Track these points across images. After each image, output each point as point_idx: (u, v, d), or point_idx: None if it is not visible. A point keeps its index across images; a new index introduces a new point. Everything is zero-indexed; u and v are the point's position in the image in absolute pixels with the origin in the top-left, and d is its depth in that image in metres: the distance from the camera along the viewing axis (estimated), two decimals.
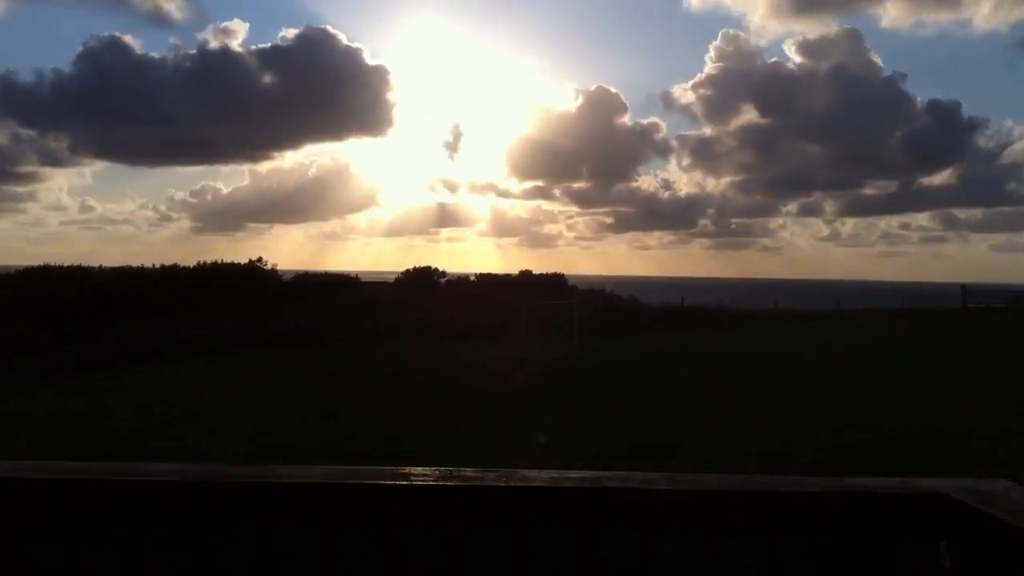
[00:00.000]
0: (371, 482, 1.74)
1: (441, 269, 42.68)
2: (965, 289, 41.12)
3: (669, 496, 1.70)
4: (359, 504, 1.72)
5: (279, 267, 39.16)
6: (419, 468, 1.77)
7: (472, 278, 43.13)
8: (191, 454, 10.03)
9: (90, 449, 10.73)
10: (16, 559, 1.73)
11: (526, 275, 43.08)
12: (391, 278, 43.34)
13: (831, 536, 1.68)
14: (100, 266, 36.37)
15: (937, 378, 16.00)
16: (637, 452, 9.81)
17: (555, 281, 42.54)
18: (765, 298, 51.47)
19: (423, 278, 41.13)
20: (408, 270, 42.44)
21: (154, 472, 1.79)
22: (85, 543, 1.72)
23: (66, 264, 34.70)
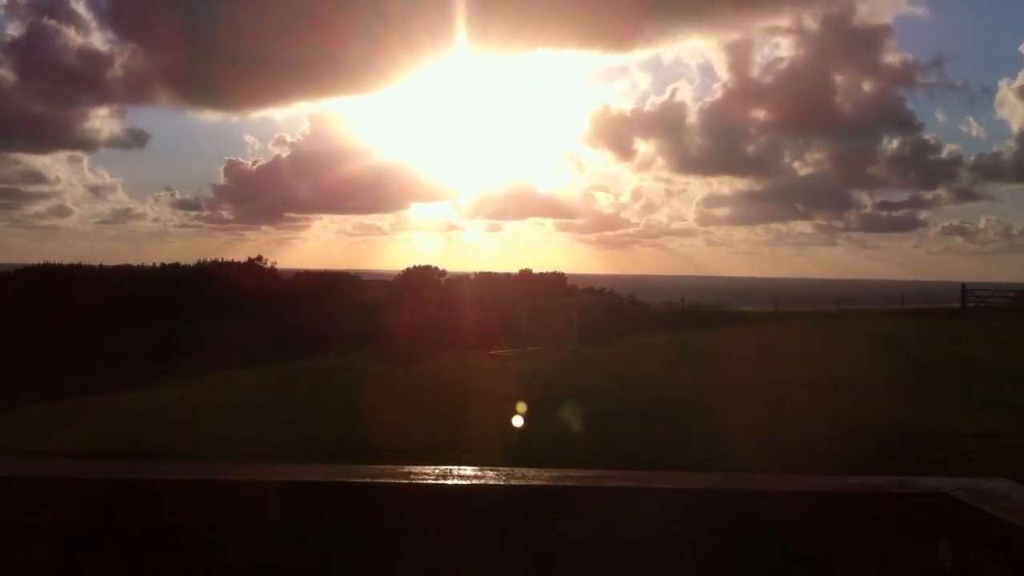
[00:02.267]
0: (370, 480, 1.73)
1: (441, 268, 42.60)
2: (965, 289, 40.86)
3: (671, 495, 1.69)
4: (358, 502, 1.71)
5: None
6: (418, 467, 1.76)
7: (471, 276, 43.13)
8: (185, 454, 10.02)
9: (87, 449, 10.71)
10: (19, 557, 1.72)
11: (526, 274, 43.07)
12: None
13: (832, 534, 1.68)
14: (100, 264, 36.39)
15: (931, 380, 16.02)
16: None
17: (555, 280, 42.54)
18: None
19: (422, 277, 41.06)
20: (408, 268, 42.33)
21: (155, 471, 1.79)
22: (87, 540, 1.71)
23: (65, 263, 34.72)
